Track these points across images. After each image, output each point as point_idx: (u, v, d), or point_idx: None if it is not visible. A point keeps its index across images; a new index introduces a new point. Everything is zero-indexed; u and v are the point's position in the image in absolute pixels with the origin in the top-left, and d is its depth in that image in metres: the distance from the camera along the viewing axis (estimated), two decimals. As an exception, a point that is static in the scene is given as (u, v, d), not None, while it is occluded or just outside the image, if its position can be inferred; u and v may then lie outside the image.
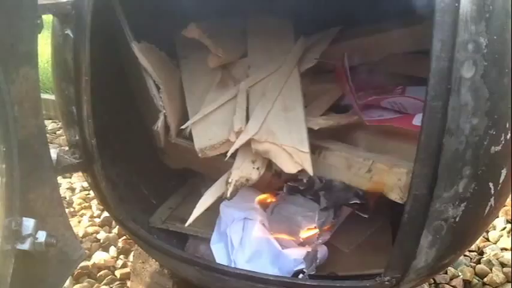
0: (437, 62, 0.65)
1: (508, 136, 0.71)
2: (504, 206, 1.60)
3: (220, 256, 1.00)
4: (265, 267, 0.97)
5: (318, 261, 0.96)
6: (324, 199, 0.98)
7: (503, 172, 0.74)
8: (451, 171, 0.70)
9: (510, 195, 1.58)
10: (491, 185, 0.74)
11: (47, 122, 2.29)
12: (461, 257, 1.39)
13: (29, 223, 0.75)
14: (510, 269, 1.36)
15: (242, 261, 0.97)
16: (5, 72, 0.70)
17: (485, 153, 0.70)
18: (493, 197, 0.76)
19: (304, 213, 1.00)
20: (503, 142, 0.70)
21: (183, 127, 1.03)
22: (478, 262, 1.40)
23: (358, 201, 0.96)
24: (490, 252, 1.43)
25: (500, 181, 0.74)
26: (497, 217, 1.56)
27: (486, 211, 0.77)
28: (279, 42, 1.13)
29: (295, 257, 0.97)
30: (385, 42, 1.13)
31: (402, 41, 1.11)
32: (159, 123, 1.01)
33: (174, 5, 1.02)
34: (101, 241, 1.50)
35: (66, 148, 0.96)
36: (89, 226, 1.57)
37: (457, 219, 0.74)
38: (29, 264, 0.77)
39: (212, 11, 1.06)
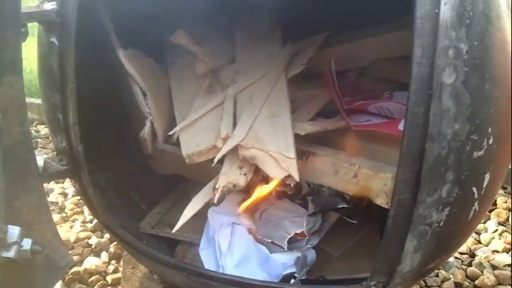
0: (418, 68, 0.66)
1: (491, 141, 0.71)
2: (496, 208, 1.60)
3: (208, 262, 1.00)
4: (254, 272, 0.97)
5: (308, 266, 0.96)
6: (311, 204, 0.99)
7: (487, 177, 0.74)
8: (434, 176, 0.70)
9: (500, 198, 1.60)
10: (474, 189, 0.74)
11: (40, 127, 2.29)
12: (453, 260, 1.40)
13: (14, 231, 0.75)
14: (501, 271, 1.36)
15: (230, 267, 0.97)
16: (-12, 80, 0.70)
17: (468, 158, 0.70)
18: (477, 202, 0.76)
19: (292, 218, 1.00)
20: (485, 147, 0.71)
21: (170, 133, 1.04)
22: (470, 264, 1.40)
23: (345, 206, 0.97)
24: (481, 254, 1.43)
25: (484, 186, 0.75)
26: (489, 219, 1.57)
27: (470, 216, 0.77)
28: (267, 47, 1.13)
29: (283, 261, 0.97)
30: (373, 47, 1.13)
31: (389, 46, 1.12)
32: (146, 130, 1.01)
33: (162, 11, 1.02)
34: (93, 246, 1.49)
35: (50, 157, 0.96)
36: (80, 231, 1.56)
37: (441, 224, 0.74)
38: (14, 271, 0.77)
39: (200, 16, 1.07)
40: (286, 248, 0.98)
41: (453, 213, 0.74)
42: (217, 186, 0.95)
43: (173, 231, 0.97)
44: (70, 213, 1.67)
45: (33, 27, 0.88)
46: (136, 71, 1.01)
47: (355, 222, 1.01)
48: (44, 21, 0.84)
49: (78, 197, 1.77)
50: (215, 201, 0.94)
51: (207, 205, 0.99)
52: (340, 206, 0.98)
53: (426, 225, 0.74)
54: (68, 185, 1.83)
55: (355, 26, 1.14)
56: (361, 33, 1.15)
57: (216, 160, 0.97)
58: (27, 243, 0.76)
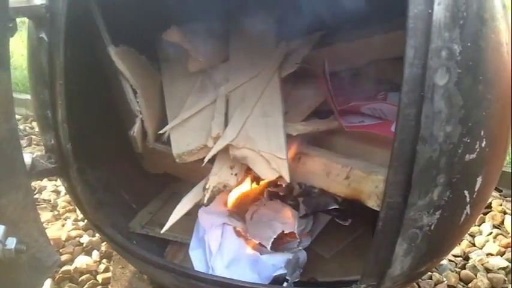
0: (411, 69, 0.65)
1: (483, 144, 0.70)
2: (491, 210, 1.60)
3: (198, 262, 0.99)
4: (244, 273, 0.96)
5: (300, 268, 0.95)
6: (303, 206, 0.98)
7: (479, 180, 0.73)
8: (425, 179, 0.69)
9: (495, 201, 1.59)
10: (466, 193, 0.73)
11: (35, 123, 2.28)
12: (446, 262, 1.39)
13: (-2, 229, 0.74)
14: (495, 274, 1.35)
15: (221, 267, 0.96)
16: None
17: (460, 161, 0.69)
18: (468, 205, 0.75)
19: (282, 219, 0.99)
20: (478, 150, 0.70)
21: (161, 132, 1.02)
22: (463, 267, 1.39)
23: (336, 207, 0.96)
24: (475, 257, 1.42)
25: (476, 189, 0.74)
26: (484, 222, 1.56)
27: (462, 219, 0.76)
28: (261, 46, 1.12)
29: (273, 262, 0.96)
30: (368, 47, 1.12)
31: (384, 47, 1.10)
32: (136, 128, 1.00)
33: (156, 8, 1.01)
34: (84, 245, 1.48)
35: (38, 154, 0.95)
36: (72, 230, 1.55)
37: (432, 227, 0.73)
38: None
39: (193, 14, 1.05)
40: (269, 249, 0.96)
41: (444, 217, 0.73)
42: (207, 187, 0.94)
43: (162, 231, 0.96)
44: (62, 211, 1.66)
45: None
46: (127, 68, 0.99)
47: (346, 224, 1.00)
48: (34, 16, 0.83)
49: (71, 195, 1.76)
50: (205, 201, 0.93)
51: (198, 205, 0.98)
52: (332, 208, 0.97)
53: (417, 229, 0.73)
54: (61, 183, 1.82)
55: (350, 26, 1.13)
56: (355, 33, 1.13)
57: (206, 160, 0.96)
58: (11, 242, 0.75)
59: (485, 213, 1.58)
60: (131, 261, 1.03)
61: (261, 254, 0.97)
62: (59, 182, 1.83)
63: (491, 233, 1.51)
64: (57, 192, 1.78)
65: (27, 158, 0.86)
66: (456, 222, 0.76)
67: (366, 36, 1.12)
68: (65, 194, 1.77)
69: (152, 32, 1.12)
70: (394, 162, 0.69)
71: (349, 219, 0.99)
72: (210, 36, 1.12)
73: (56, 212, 1.65)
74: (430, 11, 0.64)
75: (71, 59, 0.86)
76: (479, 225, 1.55)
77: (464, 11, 0.65)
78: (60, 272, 1.34)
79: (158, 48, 1.14)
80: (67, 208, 1.68)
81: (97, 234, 1.53)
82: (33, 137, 2.15)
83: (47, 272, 0.89)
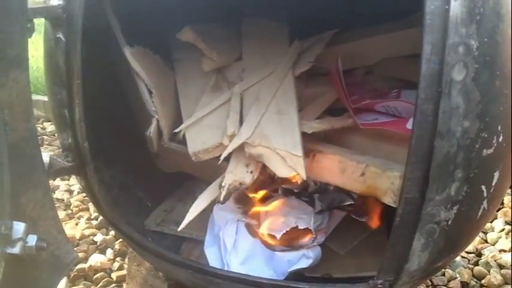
0: (428, 65, 0.65)
1: (500, 139, 0.70)
2: (503, 207, 1.60)
3: (213, 259, 1.00)
4: (260, 269, 0.97)
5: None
6: (318, 202, 0.98)
7: (496, 175, 0.73)
8: (443, 174, 0.69)
9: (507, 197, 1.59)
10: (483, 187, 0.73)
11: (46, 124, 2.29)
12: (459, 259, 1.39)
13: (19, 227, 0.75)
14: (508, 270, 1.35)
15: (236, 264, 0.97)
16: (-6, 76, 0.70)
17: (477, 156, 0.69)
18: (485, 200, 0.75)
19: (298, 215, 1.00)
20: (495, 145, 0.70)
21: (176, 131, 1.03)
22: (476, 264, 1.39)
23: (352, 203, 0.96)
24: (488, 253, 1.42)
25: (493, 184, 0.74)
26: (496, 218, 1.56)
27: (479, 214, 0.76)
28: (274, 45, 1.12)
29: (289, 258, 0.97)
30: (381, 45, 1.12)
31: (397, 45, 1.11)
32: (152, 129, 1.01)
33: (168, 7, 1.02)
34: (98, 243, 1.50)
35: (56, 153, 0.96)
36: (86, 228, 1.57)
37: (450, 222, 0.73)
38: (19, 268, 0.77)
39: (206, 13, 1.06)
40: (278, 238, 0.97)
41: (462, 212, 0.73)
42: (223, 184, 0.95)
43: (179, 229, 0.97)
44: (75, 210, 1.68)
45: (41, 24, 0.89)
46: (143, 68, 1.00)
47: (363, 220, 1.00)
48: (51, 17, 0.84)
49: (84, 194, 1.77)
50: (221, 199, 0.94)
51: (213, 203, 0.99)
52: (347, 203, 0.97)
53: (434, 224, 0.73)
54: (74, 182, 1.84)
55: (363, 24, 1.13)
56: (368, 31, 1.14)
57: (222, 158, 0.96)
58: (32, 240, 0.76)
59: (498, 210, 1.58)
60: (148, 258, 1.04)
61: (276, 251, 0.98)
62: (71, 182, 1.84)
63: (503, 230, 1.51)
64: (70, 192, 1.79)
65: (45, 157, 0.87)
66: (473, 217, 0.76)
67: (379, 34, 1.12)
68: (78, 193, 1.78)
69: (165, 31, 1.13)
70: (412, 158, 0.69)
71: (365, 216, 0.99)
72: (223, 35, 1.13)
73: (70, 211, 1.67)
74: (447, 7, 0.64)
75: (87, 58, 0.87)
76: (491, 222, 1.55)
77: (481, 7, 0.65)
78: (75, 270, 1.36)
79: (172, 48, 1.15)
80: (80, 207, 1.69)
81: (111, 233, 1.55)
82: (44, 137, 2.16)
83: (65, 269, 0.90)
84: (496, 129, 0.69)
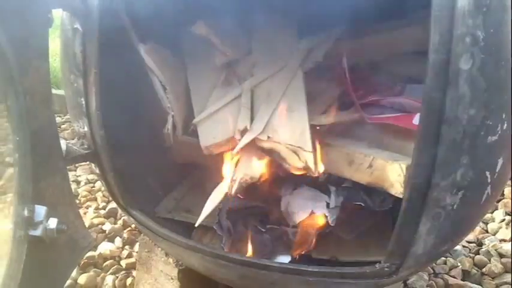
0: (436, 55, 0.67)
1: (505, 126, 0.73)
2: (503, 198, 1.63)
3: None
4: None
5: None
6: (334, 198, 1.00)
7: (500, 161, 0.76)
8: (449, 160, 0.72)
9: (508, 188, 1.62)
10: (487, 173, 0.76)
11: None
12: (461, 248, 1.42)
13: (41, 210, 0.78)
14: (508, 259, 1.38)
15: None
16: (18, 64, 0.72)
17: (482, 142, 0.72)
18: (489, 186, 0.77)
19: (313, 205, 1.02)
20: (499, 132, 0.72)
21: (191, 123, 1.05)
22: (477, 253, 1.42)
23: (362, 204, 0.99)
24: (488, 243, 1.45)
25: (497, 170, 0.76)
26: (496, 209, 1.59)
27: (483, 199, 0.79)
28: (283, 41, 1.14)
29: None
30: (387, 42, 1.14)
31: (403, 41, 1.12)
32: (169, 126, 1.03)
33: (179, 3, 1.04)
34: (107, 232, 1.53)
35: (72, 141, 0.99)
36: (94, 217, 1.60)
37: (455, 207, 0.76)
38: (40, 250, 0.80)
39: (217, 9, 1.08)
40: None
41: (466, 197, 0.76)
42: (234, 178, 0.97)
43: (196, 224, 0.99)
44: (83, 200, 1.71)
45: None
46: (157, 65, 1.03)
47: (377, 210, 1.03)
48: (69, 7, 0.87)
49: (91, 185, 1.80)
50: (233, 192, 0.97)
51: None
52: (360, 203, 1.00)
53: (440, 208, 0.75)
54: (81, 173, 1.86)
55: (369, 21, 1.15)
56: (375, 28, 1.15)
57: (234, 152, 0.99)
58: (53, 223, 0.79)
59: (498, 201, 1.61)
60: (160, 243, 1.07)
61: None
62: (79, 172, 1.87)
63: (503, 220, 1.55)
64: (78, 182, 1.82)
65: (63, 144, 0.90)
66: (477, 202, 0.79)
67: (385, 31, 1.14)
68: (85, 183, 1.81)
69: (176, 26, 1.15)
70: (420, 144, 0.71)
71: (377, 206, 1.02)
72: (232, 29, 1.15)
73: (78, 201, 1.69)
74: (454, -2, 0.67)
75: (103, 49, 0.89)
76: (492, 213, 1.58)
77: (488, -1, 0.67)
78: (84, 257, 1.39)
79: (183, 42, 1.17)
80: (88, 197, 1.72)
81: (119, 222, 1.58)
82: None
83: (83, 252, 0.93)
84: (500, 117, 0.72)
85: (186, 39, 1.16)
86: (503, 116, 0.72)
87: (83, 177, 1.85)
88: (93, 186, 1.79)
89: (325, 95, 1.12)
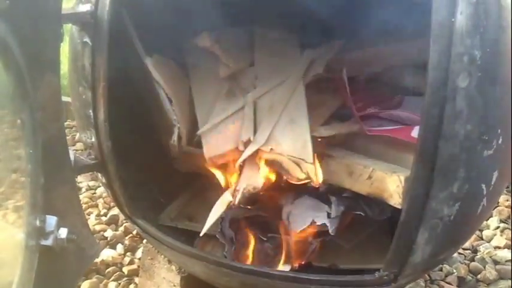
0: (435, 72, 0.71)
1: (500, 141, 0.76)
2: (498, 206, 1.65)
3: None
4: None
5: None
6: (335, 207, 1.02)
7: (495, 174, 0.79)
8: (447, 174, 0.75)
9: (502, 196, 1.65)
10: (483, 186, 0.79)
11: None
12: (456, 255, 1.45)
13: (51, 220, 0.80)
14: (503, 266, 1.41)
15: None
16: (31, 79, 0.74)
17: (479, 157, 0.75)
18: (485, 198, 0.81)
19: (314, 215, 1.05)
20: (495, 147, 0.76)
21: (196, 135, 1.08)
22: (472, 260, 1.45)
23: (362, 213, 1.01)
24: (483, 250, 1.48)
25: (492, 183, 0.80)
26: (491, 216, 1.61)
27: (479, 210, 0.82)
28: (285, 53, 1.16)
29: None
30: (386, 54, 1.17)
31: (403, 54, 1.15)
32: (175, 137, 1.05)
33: (183, 15, 1.06)
34: (108, 239, 1.54)
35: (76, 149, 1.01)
36: (96, 224, 1.61)
37: (452, 218, 0.79)
38: (50, 259, 0.82)
39: (219, 21, 1.11)
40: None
41: (463, 208, 0.79)
42: (238, 188, 1.00)
43: (201, 234, 1.01)
44: (85, 207, 1.72)
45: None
46: (163, 78, 1.05)
47: (379, 219, 1.05)
48: (79, 22, 0.89)
49: (92, 191, 1.82)
50: (236, 202, 0.99)
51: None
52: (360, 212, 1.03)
53: (438, 219, 0.79)
54: (82, 179, 1.88)
55: (369, 35, 1.17)
56: (375, 40, 1.18)
57: (238, 163, 1.02)
58: (63, 232, 0.81)
59: (493, 209, 1.63)
60: (164, 251, 1.09)
61: None
62: (79, 179, 1.89)
63: (498, 227, 1.57)
64: (79, 189, 1.83)
65: (71, 155, 0.92)
66: (474, 213, 0.82)
67: (386, 43, 1.17)
68: (86, 190, 1.83)
69: (180, 38, 1.17)
70: (419, 158, 0.75)
71: (377, 215, 1.05)
72: (234, 40, 1.17)
73: (79, 208, 1.71)
74: (453, 19, 0.70)
75: (111, 62, 0.92)
76: (487, 220, 1.60)
77: (484, 20, 0.70)
78: (87, 264, 1.40)
79: (186, 54, 1.19)
80: (89, 204, 1.74)
81: (120, 229, 1.59)
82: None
83: (90, 260, 0.95)
84: (496, 132, 0.75)
85: (189, 51, 1.19)
86: (499, 131, 0.75)
87: (84, 183, 1.86)
88: (94, 193, 1.81)
89: (325, 107, 1.14)
